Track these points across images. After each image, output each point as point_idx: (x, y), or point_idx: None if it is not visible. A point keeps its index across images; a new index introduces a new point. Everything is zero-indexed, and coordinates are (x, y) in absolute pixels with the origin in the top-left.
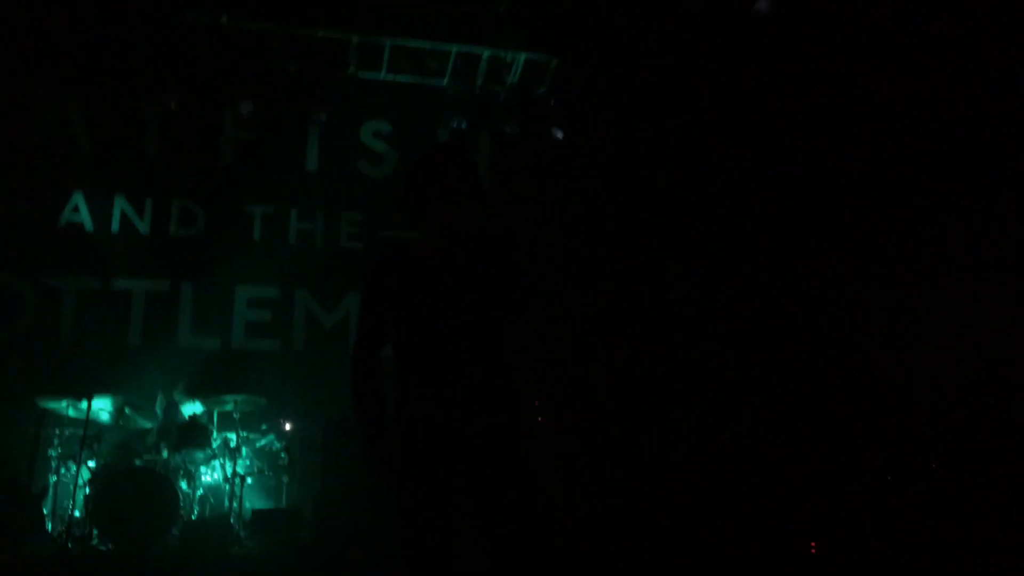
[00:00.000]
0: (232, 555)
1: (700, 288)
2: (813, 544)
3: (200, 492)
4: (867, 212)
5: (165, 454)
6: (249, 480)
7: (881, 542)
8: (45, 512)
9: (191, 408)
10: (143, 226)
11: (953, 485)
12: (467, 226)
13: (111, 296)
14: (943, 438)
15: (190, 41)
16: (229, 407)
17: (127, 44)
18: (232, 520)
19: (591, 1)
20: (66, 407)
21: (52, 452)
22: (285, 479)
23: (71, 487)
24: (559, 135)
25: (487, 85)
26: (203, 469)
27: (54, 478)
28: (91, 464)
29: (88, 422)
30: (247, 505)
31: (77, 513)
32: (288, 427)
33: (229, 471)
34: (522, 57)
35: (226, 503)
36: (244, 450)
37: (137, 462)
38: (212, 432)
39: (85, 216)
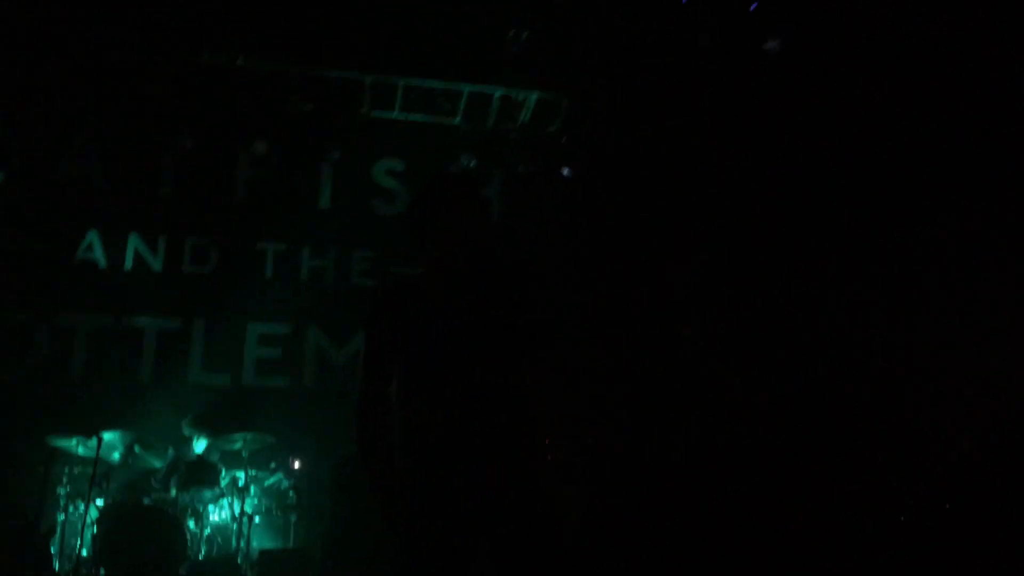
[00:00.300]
0: None
1: (712, 323)
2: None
3: (208, 531)
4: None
5: (174, 493)
6: (257, 519)
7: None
8: (53, 551)
9: (200, 446)
10: (156, 263)
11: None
12: (473, 255)
13: (123, 333)
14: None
15: (206, 81)
16: (238, 445)
17: (143, 84)
18: (239, 560)
19: (602, 42)
20: (76, 445)
21: (61, 490)
22: (293, 518)
23: (79, 526)
24: (567, 173)
25: (499, 123)
26: (211, 508)
27: (62, 516)
28: (99, 502)
29: (98, 460)
30: (255, 544)
31: (84, 552)
32: (297, 465)
33: (237, 510)
34: (534, 96)
35: (233, 542)
36: (252, 488)
37: (145, 501)
38: (221, 470)
39: (99, 253)
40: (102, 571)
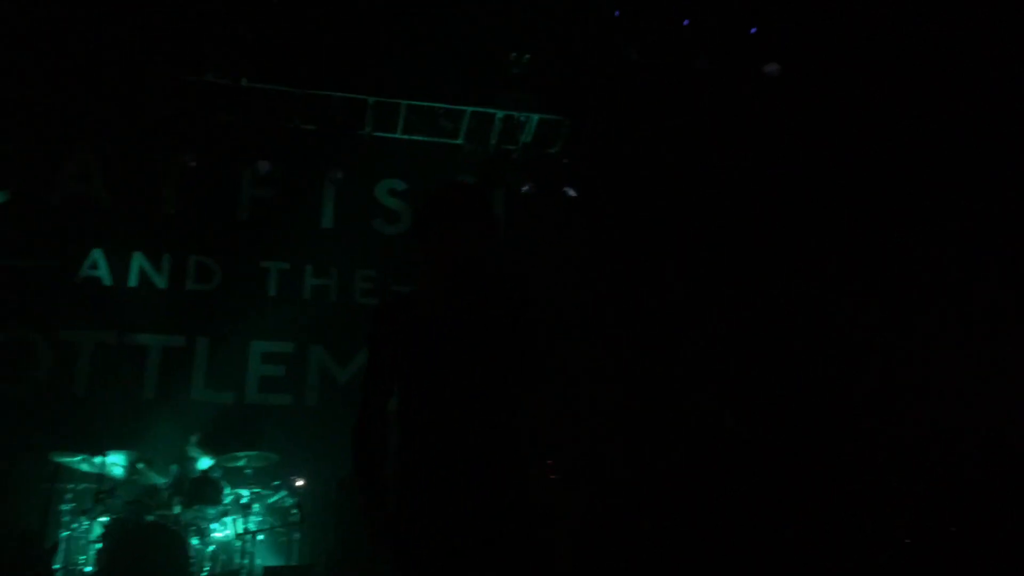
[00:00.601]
0: None
1: (715, 341)
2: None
3: (211, 548)
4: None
5: (177, 510)
6: (260, 536)
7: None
8: (56, 568)
9: (203, 463)
10: (160, 281)
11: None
12: (474, 264)
13: (127, 350)
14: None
15: (210, 101)
16: (241, 463)
17: (148, 103)
18: None
19: (602, 64)
20: (80, 462)
21: (64, 507)
22: (297, 536)
23: (82, 542)
24: (572, 193)
25: (501, 144)
26: (215, 525)
27: (66, 532)
28: (103, 519)
29: (102, 477)
30: (258, 562)
31: (88, 569)
32: (300, 483)
33: (241, 528)
34: (535, 118)
35: (237, 560)
36: (256, 506)
37: (149, 517)
38: (224, 488)
39: (104, 271)
40: None
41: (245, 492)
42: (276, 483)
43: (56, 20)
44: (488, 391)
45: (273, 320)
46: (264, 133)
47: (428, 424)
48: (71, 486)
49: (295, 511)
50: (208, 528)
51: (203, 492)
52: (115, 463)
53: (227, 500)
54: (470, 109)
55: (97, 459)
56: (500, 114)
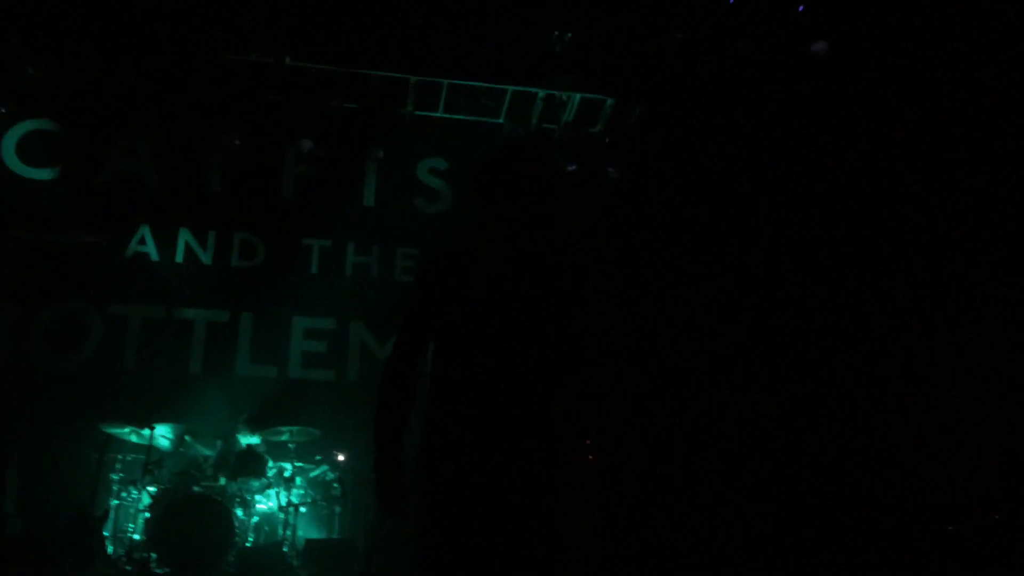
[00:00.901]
0: None
1: (755, 329)
2: None
3: (255, 520)
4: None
5: (223, 481)
6: (303, 509)
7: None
8: (106, 535)
9: (248, 437)
10: (206, 258)
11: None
12: (535, 235)
13: (174, 325)
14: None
15: (254, 81)
16: (284, 437)
17: (194, 84)
18: (285, 548)
19: (646, 42)
20: (129, 433)
21: (114, 476)
22: (338, 509)
23: (131, 511)
24: (614, 173)
25: (543, 123)
26: (258, 497)
27: (115, 502)
28: (151, 489)
29: (150, 449)
30: (300, 534)
31: (137, 537)
32: (341, 458)
33: (284, 500)
34: (577, 97)
35: (280, 531)
36: (298, 480)
37: (196, 489)
38: (268, 461)
39: (151, 247)
40: (154, 556)
41: (288, 466)
42: (318, 457)
43: (106, 4)
44: (530, 365)
45: (315, 296)
46: (307, 112)
47: (462, 389)
48: (120, 457)
49: (336, 485)
50: (252, 500)
51: (248, 465)
52: (163, 435)
53: (271, 473)
54: (512, 88)
55: (145, 431)
56: (542, 93)
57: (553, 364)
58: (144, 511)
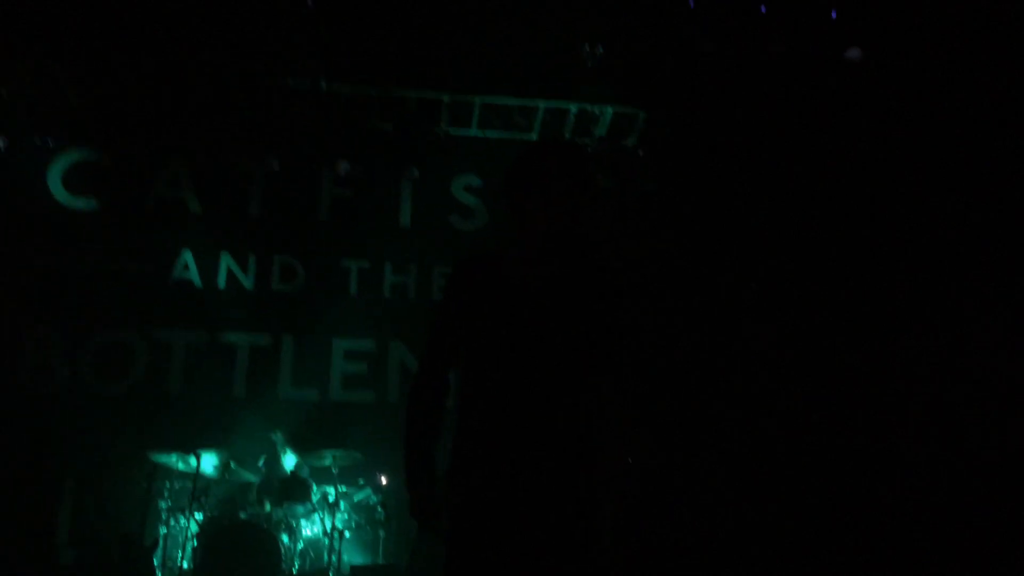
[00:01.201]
0: None
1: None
2: None
3: (301, 546)
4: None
5: (268, 508)
6: (347, 534)
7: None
8: (156, 564)
9: (291, 462)
10: (247, 281)
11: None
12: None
13: (218, 349)
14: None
15: (291, 105)
16: (328, 461)
17: (232, 110)
18: (331, 575)
19: (678, 55)
20: (176, 461)
21: (162, 504)
22: (382, 533)
23: (180, 539)
24: (649, 186)
25: (575, 137)
26: (303, 523)
27: (164, 530)
28: (198, 517)
29: (196, 476)
30: (345, 559)
31: (186, 565)
32: (384, 481)
33: (328, 525)
34: (610, 111)
35: (325, 557)
36: (342, 504)
37: (242, 515)
38: (312, 486)
39: (194, 273)
40: None
41: (331, 490)
42: (361, 481)
43: (143, 31)
44: (566, 372)
45: (354, 318)
46: (343, 134)
47: (496, 397)
48: (168, 484)
49: (380, 509)
50: (298, 525)
51: (293, 490)
52: (208, 462)
53: (315, 498)
54: (544, 104)
55: (191, 459)
56: (574, 108)
57: (591, 368)
58: (192, 539)
